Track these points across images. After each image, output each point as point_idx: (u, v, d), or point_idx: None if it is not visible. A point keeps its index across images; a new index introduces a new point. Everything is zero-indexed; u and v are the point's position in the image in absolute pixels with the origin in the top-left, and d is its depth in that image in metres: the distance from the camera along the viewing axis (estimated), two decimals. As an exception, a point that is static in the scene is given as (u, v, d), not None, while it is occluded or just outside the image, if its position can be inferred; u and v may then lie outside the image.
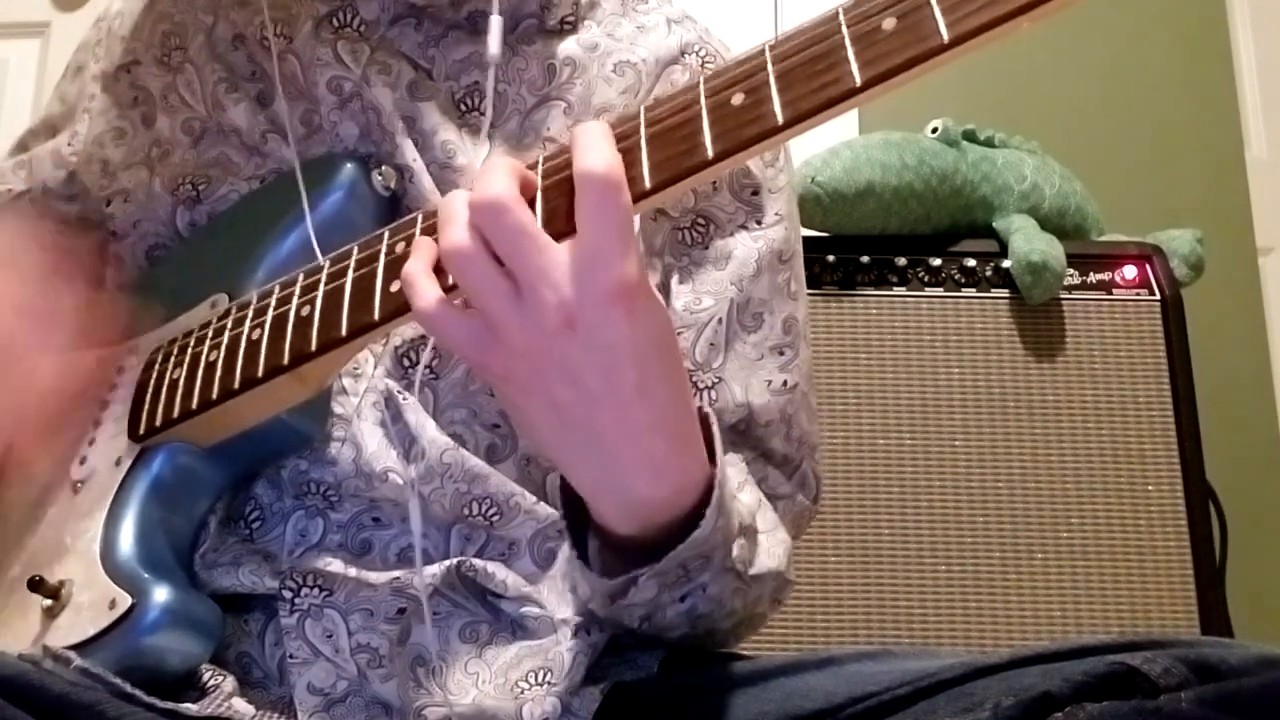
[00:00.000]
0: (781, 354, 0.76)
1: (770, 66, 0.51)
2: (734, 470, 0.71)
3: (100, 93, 0.80)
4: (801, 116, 0.50)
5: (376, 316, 0.59)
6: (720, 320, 0.74)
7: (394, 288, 0.58)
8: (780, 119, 0.50)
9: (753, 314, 0.76)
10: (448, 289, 0.55)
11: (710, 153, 0.52)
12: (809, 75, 0.50)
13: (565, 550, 0.68)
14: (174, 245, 0.75)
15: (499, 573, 0.66)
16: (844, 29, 0.50)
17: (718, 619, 0.66)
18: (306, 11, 0.75)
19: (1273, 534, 1.73)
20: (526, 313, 0.52)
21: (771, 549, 0.70)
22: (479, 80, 0.74)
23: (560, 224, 0.53)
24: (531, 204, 0.55)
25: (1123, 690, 0.49)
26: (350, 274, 0.61)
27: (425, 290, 0.55)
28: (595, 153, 0.52)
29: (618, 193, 0.51)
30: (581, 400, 0.54)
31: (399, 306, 0.58)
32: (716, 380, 0.74)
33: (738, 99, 0.52)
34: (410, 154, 0.71)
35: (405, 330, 0.69)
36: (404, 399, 0.68)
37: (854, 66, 0.49)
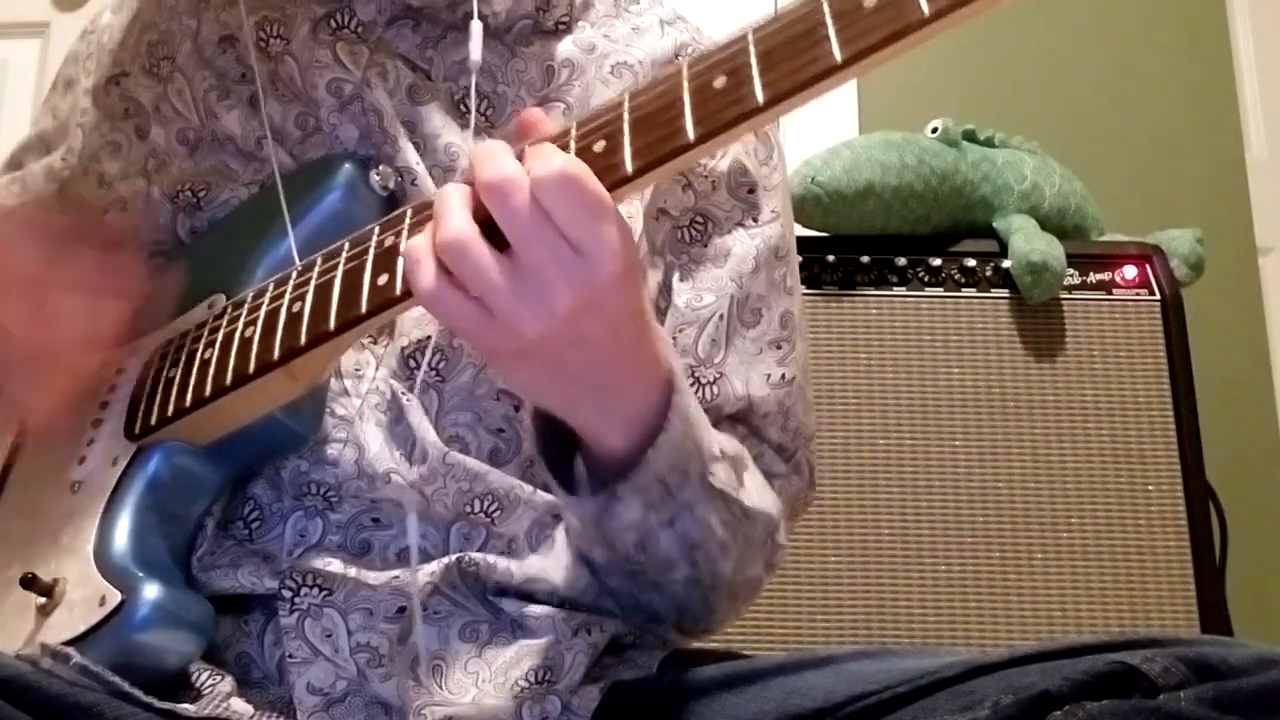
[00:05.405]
0: (779, 348, 0.77)
1: (752, 48, 0.52)
2: (722, 435, 0.71)
3: (91, 106, 0.79)
4: (782, 96, 0.50)
5: (364, 309, 0.59)
6: (721, 316, 0.75)
7: (381, 280, 0.58)
8: (760, 99, 0.51)
9: (752, 309, 0.77)
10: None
11: (691, 135, 0.52)
12: (790, 55, 0.51)
13: (560, 531, 0.69)
14: (173, 251, 0.75)
15: (500, 563, 0.66)
16: (825, 6, 0.50)
17: (715, 555, 0.66)
18: (303, 13, 0.74)
19: (1273, 534, 1.73)
20: (536, 301, 0.53)
21: (761, 492, 0.71)
22: (479, 82, 0.74)
23: None
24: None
25: (1122, 689, 0.49)
26: (340, 269, 0.61)
27: (427, 269, 0.54)
28: (548, 160, 0.53)
29: (579, 182, 0.52)
30: (593, 359, 0.56)
31: (387, 299, 0.58)
32: (718, 375, 0.75)
33: (719, 81, 0.52)
34: (413, 157, 0.71)
35: (412, 332, 0.69)
36: (406, 400, 0.68)
37: (834, 44, 0.49)
